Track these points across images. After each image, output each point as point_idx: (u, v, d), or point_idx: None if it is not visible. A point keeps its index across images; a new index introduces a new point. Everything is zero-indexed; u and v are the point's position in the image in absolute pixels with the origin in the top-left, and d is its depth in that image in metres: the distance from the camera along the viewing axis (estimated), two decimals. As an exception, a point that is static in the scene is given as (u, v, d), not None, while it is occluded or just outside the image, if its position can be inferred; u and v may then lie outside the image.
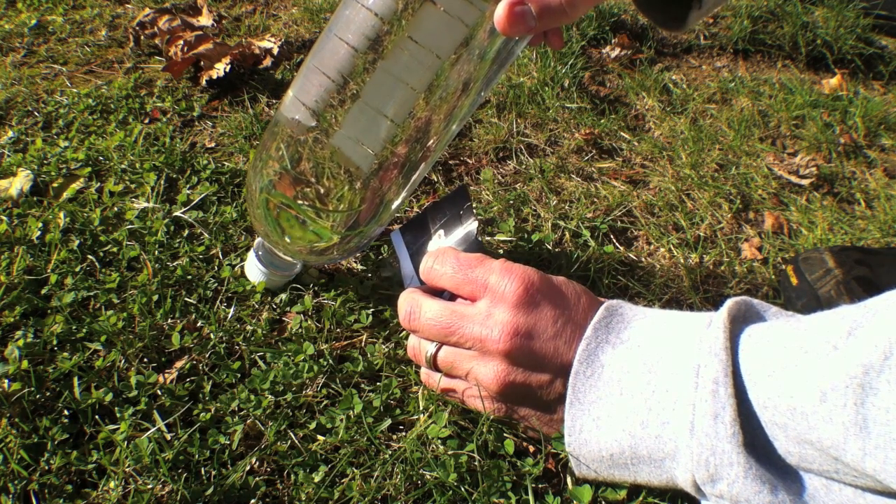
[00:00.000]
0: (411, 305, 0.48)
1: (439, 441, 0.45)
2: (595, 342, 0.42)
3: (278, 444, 0.45)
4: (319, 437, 0.46)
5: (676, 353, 0.40)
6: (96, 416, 0.47)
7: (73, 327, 0.52)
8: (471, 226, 0.53)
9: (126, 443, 0.44)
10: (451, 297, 0.49)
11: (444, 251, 0.49)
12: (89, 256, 0.59)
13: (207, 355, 0.52)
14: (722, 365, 0.37)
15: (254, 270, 0.56)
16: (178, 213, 0.65)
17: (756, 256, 0.67)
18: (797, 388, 0.34)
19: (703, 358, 0.38)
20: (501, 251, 0.65)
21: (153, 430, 0.46)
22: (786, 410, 0.35)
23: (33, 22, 1.02)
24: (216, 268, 0.60)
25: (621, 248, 0.66)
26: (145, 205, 0.66)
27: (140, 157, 0.72)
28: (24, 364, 0.49)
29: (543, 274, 0.46)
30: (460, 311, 0.45)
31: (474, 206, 0.67)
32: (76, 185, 0.68)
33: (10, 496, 0.42)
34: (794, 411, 0.35)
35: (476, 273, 0.46)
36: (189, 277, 0.58)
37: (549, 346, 0.43)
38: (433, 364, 0.47)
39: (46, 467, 0.44)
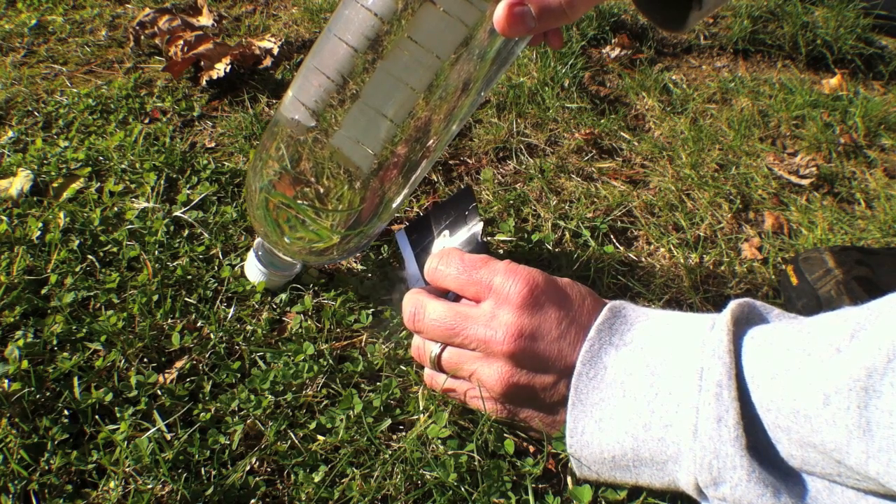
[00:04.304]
0: (415, 306, 0.48)
1: (439, 441, 0.45)
2: (598, 344, 0.42)
3: (278, 444, 0.45)
4: (319, 437, 0.46)
5: (679, 355, 0.40)
6: (96, 416, 0.47)
7: (73, 327, 0.52)
8: (476, 227, 0.53)
9: (126, 443, 0.44)
10: (456, 297, 0.49)
11: (448, 252, 0.49)
12: (89, 256, 0.59)
13: (207, 355, 0.52)
14: (725, 368, 0.37)
15: (254, 270, 0.56)
16: (178, 213, 0.65)
17: (756, 256, 0.67)
18: (800, 390, 0.34)
19: (707, 360, 0.38)
20: (501, 251, 0.65)
21: (153, 430, 0.46)
22: (789, 413, 0.35)
23: (33, 22, 1.02)
24: (216, 268, 0.60)
25: (621, 248, 0.66)
26: (145, 205, 0.66)
27: (140, 157, 0.72)
28: (24, 364, 0.48)
29: (548, 275, 0.46)
30: (464, 312, 0.45)
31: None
32: (76, 185, 0.68)
33: (10, 496, 0.42)
34: (797, 414, 0.34)
35: (481, 274, 0.46)
36: (189, 277, 0.58)
37: (553, 348, 0.43)
38: (437, 365, 0.47)
39: (46, 467, 0.44)
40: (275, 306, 0.57)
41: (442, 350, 0.47)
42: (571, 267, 0.62)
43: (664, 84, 0.96)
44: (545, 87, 0.90)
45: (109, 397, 0.48)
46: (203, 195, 0.67)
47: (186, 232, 0.63)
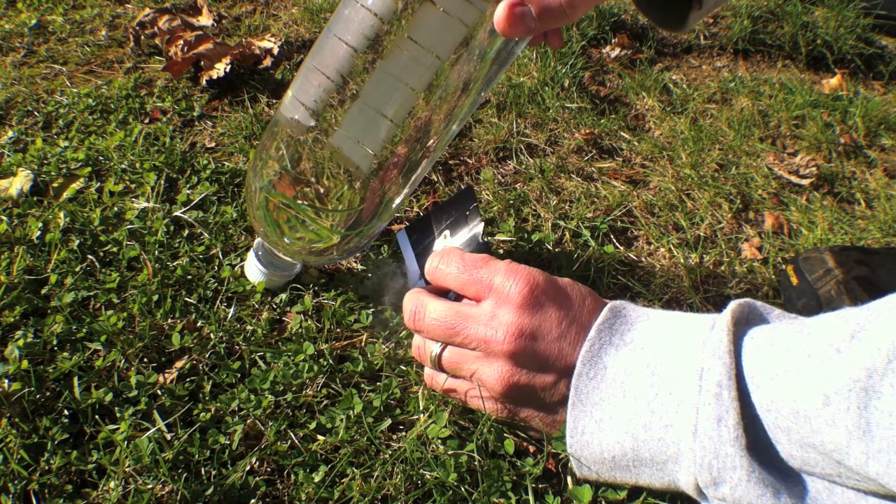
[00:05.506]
0: (416, 305, 0.48)
1: (439, 441, 0.45)
2: (598, 344, 0.42)
3: (278, 444, 0.45)
4: (319, 437, 0.46)
5: (679, 355, 0.40)
6: (96, 416, 0.47)
7: (73, 327, 0.52)
8: (477, 227, 0.53)
9: (126, 443, 0.44)
10: (457, 297, 0.49)
11: (449, 251, 0.49)
12: (89, 256, 0.59)
13: (207, 355, 0.52)
14: (725, 368, 0.37)
15: (254, 270, 0.56)
16: (178, 213, 0.65)
17: (756, 256, 0.67)
18: (800, 391, 0.34)
19: (707, 361, 0.38)
20: (502, 251, 0.65)
21: (153, 430, 0.46)
22: (789, 414, 0.35)
23: (33, 22, 1.02)
24: (216, 268, 0.59)
25: (621, 248, 0.66)
26: (145, 205, 0.66)
27: (140, 157, 0.72)
28: (24, 364, 0.48)
29: (548, 275, 0.46)
30: (465, 311, 0.45)
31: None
32: (76, 185, 0.68)
33: (10, 496, 0.42)
34: (797, 415, 0.34)
35: (481, 273, 0.46)
36: (189, 277, 0.58)
37: (553, 348, 0.43)
38: (438, 364, 0.47)
39: (46, 467, 0.44)
40: (275, 306, 0.57)
41: (442, 349, 0.47)
42: (571, 267, 0.62)
43: (664, 84, 0.96)
44: (545, 87, 0.90)
45: (109, 397, 0.48)
46: (203, 195, 0.67)
47: (186, 232, 0.63)
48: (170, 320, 0.54)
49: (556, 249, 0.65)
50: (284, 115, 0.48)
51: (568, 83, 0.92)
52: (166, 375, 0.50)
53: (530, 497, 0.43)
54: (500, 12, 0.40)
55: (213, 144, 0.77)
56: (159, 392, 0.48)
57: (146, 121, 0.80)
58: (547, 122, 0.85)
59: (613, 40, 1.05)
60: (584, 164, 0.78)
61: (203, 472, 0.44)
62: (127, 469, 0.43)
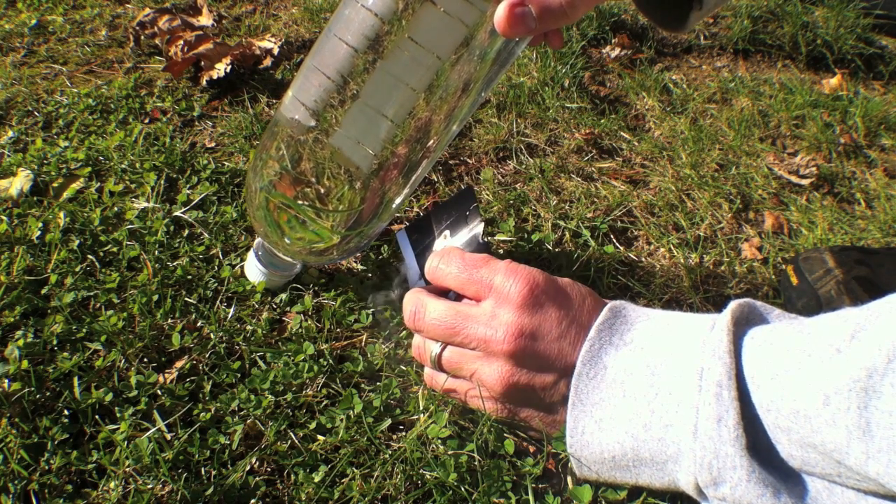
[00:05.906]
0: (416, 305, 0.48)
1: (439, 441, 0.45)
2: (598, 344, 0.42)
3: (278, 444, 0.45)
4: (319, 437, 0.46)
5: (679, 355, 0.40)
6: (96, 416, 0.47)
7: (73, 327, 0.52)
8: (477, 227, 0.53)
9: (126, 443, 0.44)
10: (457, 297, 0.49)
11: (449, 251, 0.49)
12: (89, 256, 0.59)
13: (207, 355, 0.52)
14: (725, 368, 0.37)
15: (254, 270, 0.56)
16: (178, 213, 0.65)
17: (756, 256, 0.67)
18: (800, 391, 0.34)
19: (707, 361, 0.38)
20: (502, 251, 0.65)
21: (153, 430, 0.46)
22: (789, 414, 0.35)
23: (33, 22, 1.02)
24: (216, 268, 0.59)
25: (621, 248, 0.66)
26: (145, 205, 0.66)
27: (140, 157, 0.72)
28: (24, 364, 0.48)
29: (548, 275, 0.46)
30: (465, 311, 0.45)
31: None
32: (76, 185, 0.68)
33: (10, 496, 0.42)
34: (797, 415, 0.34)
35: (481, 273, 0.46)
36: (189, 277, 0.58)
37: (553, 348, 0.43)
38: (437, 364, 0.47)
39: (46, 467, 0.44)
40: (275, 306, 0.57)
41: (442, 349, 0.47)
42: (571, 267, 0.62)
43: (664, 84, 0.96)
44: (545, 86, 0.90)
45: (109, 397, 0.48)
46: (203, 195, 0.67)
47: (186, 232, 0.63)
48: (170, 320, 0.54)
49: (556, 249, 0.65)
50: (285, 115, 0.48)
51: (568, 83, 0.92)
52: (166, 375, 0.50)
53: (530, 497, 0.43)
54: (500, 13, 0.40)
55: (213, 144, 0.77)
56: (159, 392, 0.48)
57: (146, 121, 0.80)
58: (547, 122, 0.85)
59: (613, 40, 1.05)
60: (584, 164, 0.78)
61: (203, 472, 0.44)
62: (127, 469, 0.43)
